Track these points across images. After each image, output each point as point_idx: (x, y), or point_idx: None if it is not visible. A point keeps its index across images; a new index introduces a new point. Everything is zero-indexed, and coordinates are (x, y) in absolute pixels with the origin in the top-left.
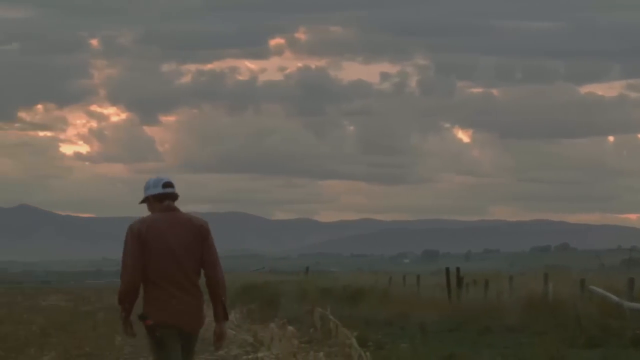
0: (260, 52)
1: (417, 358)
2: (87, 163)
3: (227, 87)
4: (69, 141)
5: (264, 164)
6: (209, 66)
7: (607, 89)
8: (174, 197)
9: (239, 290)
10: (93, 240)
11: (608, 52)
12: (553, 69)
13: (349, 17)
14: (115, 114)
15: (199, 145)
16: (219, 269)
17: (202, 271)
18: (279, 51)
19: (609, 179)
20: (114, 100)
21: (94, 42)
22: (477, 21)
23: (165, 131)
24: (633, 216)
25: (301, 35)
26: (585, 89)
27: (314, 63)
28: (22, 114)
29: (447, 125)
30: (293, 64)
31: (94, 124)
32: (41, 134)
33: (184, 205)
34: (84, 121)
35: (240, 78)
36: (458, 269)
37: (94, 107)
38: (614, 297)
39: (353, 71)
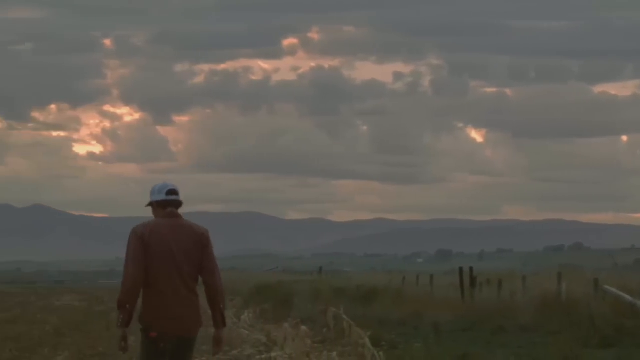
0: (273, 52)
1: (431, 358)
2: (100, 163)
3: (240, 87)
4: (82, 141)
5: (278, 164)
6: (222, 66)
7: (620, 89)
8: (177, 204)
9: (253, 290)
10: (106, 240)
11: (621, 52)
12: (566, 69)
13: (362, 17)
14: (128, 114)
15: (213, 145)
16: (218, 277)
17: (201, 278)
18: (292, 51)
19: (622, 179)
20: (127, 100)
21: (107, 42)
22: (490, 21)
23: (179, 131)
24: None
25: (314, 35)
26: (598, 88)
27: (327, 63)
28: (36, 114)
29: (461, 124)
30: (306, 63)
31: (107, 124)
32: (55, 134)
33: (197, 205)
34: (97, 121)
35: (254, 78)
36: (471, 269)
37: (107, 107)
38: (628, 297)
39: (366, 71)
